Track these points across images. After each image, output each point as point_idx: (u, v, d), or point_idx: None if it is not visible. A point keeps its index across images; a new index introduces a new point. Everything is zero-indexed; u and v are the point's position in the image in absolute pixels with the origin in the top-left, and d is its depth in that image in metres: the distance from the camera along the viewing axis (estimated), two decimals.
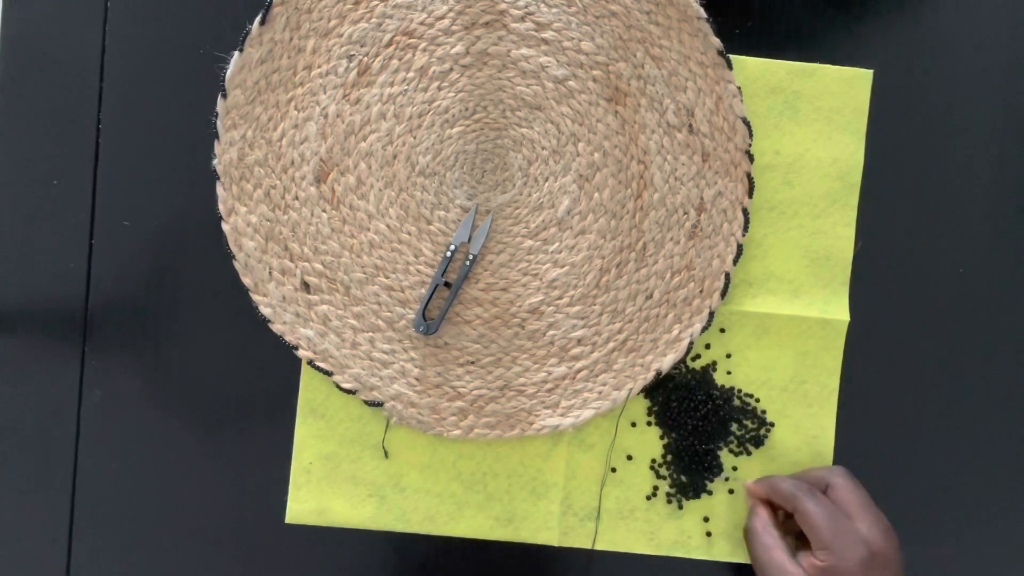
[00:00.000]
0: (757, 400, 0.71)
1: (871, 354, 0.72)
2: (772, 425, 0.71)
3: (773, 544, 0.65)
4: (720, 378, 0.71)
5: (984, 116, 0.72)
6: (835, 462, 0.71)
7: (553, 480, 0.70)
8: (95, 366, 0.70)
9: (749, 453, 0.71)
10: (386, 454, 0.70)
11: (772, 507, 0.68)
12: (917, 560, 0.71)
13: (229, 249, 0.69)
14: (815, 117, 0.71)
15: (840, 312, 0.71)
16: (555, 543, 0.70)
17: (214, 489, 0.70)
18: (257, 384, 0.71)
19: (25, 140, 0.70)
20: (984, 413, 0.72)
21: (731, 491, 0.71)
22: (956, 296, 0.72)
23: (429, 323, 0.69)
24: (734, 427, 0.71)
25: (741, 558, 0.71)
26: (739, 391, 0.71)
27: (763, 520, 0.67)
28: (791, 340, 0.71)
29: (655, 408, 0.71)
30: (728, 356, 0.71)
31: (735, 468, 0.71)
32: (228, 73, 0.68)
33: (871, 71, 0.71)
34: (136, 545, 0.70)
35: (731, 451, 0.71)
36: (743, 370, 0.71)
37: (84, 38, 0.70)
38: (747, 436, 0.71)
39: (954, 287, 0.72)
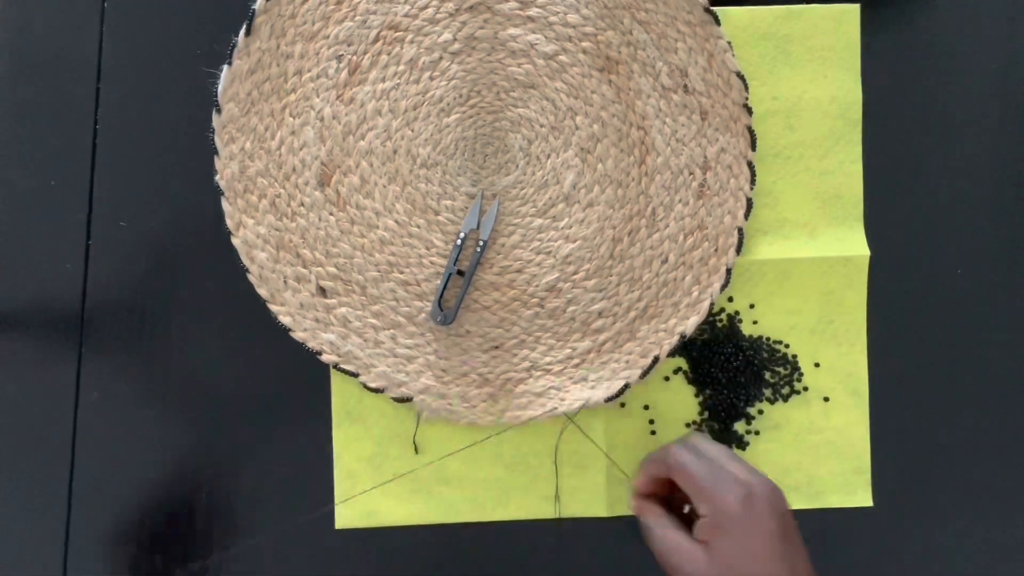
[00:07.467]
0: (787, 346, 0.71)
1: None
2: (803, 371, 0.71)
3: (666, 526, 0.61)
4: (747, 329, 0.71)
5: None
6: (871, 397, 0.71)
7: (595, 452, 0.70)
8: (92, 368, 0.69)
9: (786, 399, 0.71)
10: (416, 449, 0.70)
11: (662, 500, 0.65)
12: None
13: (242, 263, 0.68)
14: (808, 58, 0.71)
15: (859, 248, 0.71)
16: (604, 514, 0.70)
17: (212, 493, 0.70)
18: (257, 384, 0.70)
19: (22, 141, 0.70)
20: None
21: (769, 440, 0.70)
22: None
23: (446, 312, 0.68)
24: (767, 376, 0.71)
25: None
26: (768, 339, 0.71)
27: (650, 510, 0.63)
28: (813, 282, 0.71)
29: (686, 368, 0.71)
30: (752, 307, 0.71)
31: (761, 412, 0.70)
32: (220, 87, 0.68)
33: (858, 5, 0.71)
34: (131, 549, 0.69)
35: (768, 400, 0.71)
36: (769, 318, 0.71)
37: (81, 38, 0.70)
38: (781, 382, 0.71)
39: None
